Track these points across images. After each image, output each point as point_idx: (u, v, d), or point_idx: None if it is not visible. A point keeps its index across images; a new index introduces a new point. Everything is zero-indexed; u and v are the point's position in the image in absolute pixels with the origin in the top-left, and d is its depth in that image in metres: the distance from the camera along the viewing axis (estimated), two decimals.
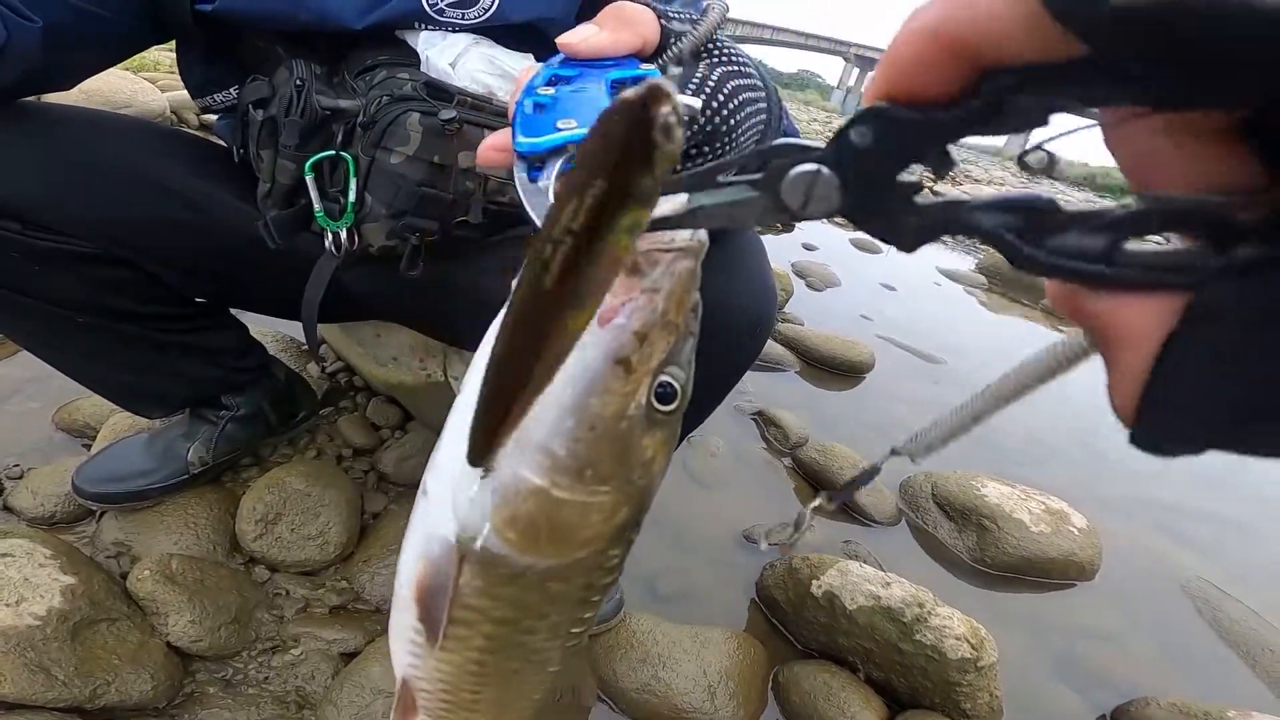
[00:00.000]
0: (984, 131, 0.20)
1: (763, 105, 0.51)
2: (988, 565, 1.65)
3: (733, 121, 0.46)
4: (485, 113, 0.80)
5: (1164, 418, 0.21)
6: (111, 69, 1.24)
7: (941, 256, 5.24)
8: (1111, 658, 1.51)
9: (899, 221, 0.23)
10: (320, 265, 0.87)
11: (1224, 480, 2.61)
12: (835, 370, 2.50)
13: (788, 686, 1.18)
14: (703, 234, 0.29)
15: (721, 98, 0.44)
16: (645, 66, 0.38)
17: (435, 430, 1.38)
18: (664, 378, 0.29)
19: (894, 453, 0.32)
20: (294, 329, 1.59)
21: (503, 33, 0.85)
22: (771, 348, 2.45)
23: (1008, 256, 0.21)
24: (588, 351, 0.28)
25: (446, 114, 0.76)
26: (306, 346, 1.58)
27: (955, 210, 0.22)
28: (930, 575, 1.62)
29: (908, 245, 0.23)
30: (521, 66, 0.84)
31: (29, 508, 1.12)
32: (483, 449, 0.27)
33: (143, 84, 2.87)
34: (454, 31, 0.83)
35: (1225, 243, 0.19)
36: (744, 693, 1.12)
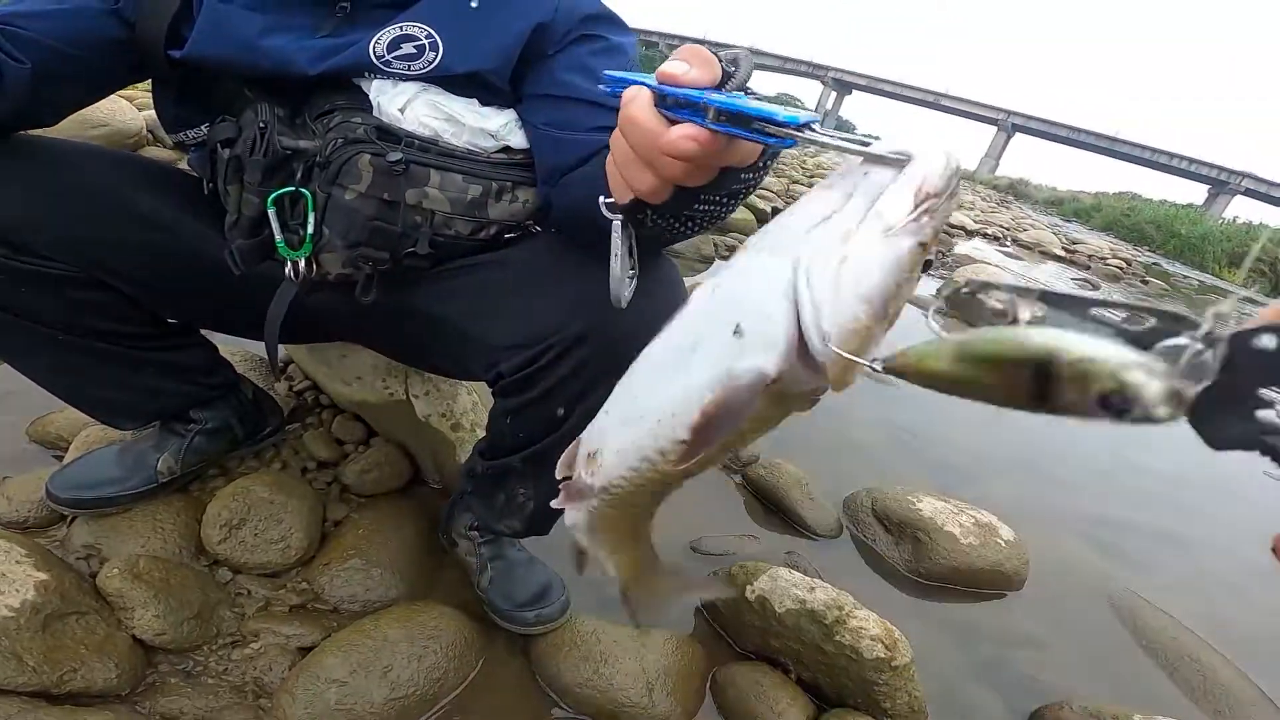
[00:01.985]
0: None
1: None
2: (922, 576, 1.75)
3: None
4: (432, 153, 0.90)
5: None
6: None
7: None
8: (1035, 664, 1.60)
9: (1229, 422, 0.26)
10: (281, 290, 0.95)
11: (1159, 495, 2.74)
12: None
13: (724, 685, 1.25)
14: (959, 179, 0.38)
15: None
16: (713, 94, 0.47)
17: (397, 444, 1.45)
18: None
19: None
20: (263, 349, 1.67)
21: (449, 81, 0.93)
22: None
23: None
24: (905, 239, 0.36)
25: (394, 156, 0.86)
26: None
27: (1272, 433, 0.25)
28: (869, 585, 1.71)
29: (1220, 445, 0.27)
30: (465, 111, 0.94)
31: (3, 513, 1.18)
32: None
33: (121, 104, 2.93)
34: (403, 80, 0.92)
35: None
36: (681, 690, 1.19)
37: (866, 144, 0.39)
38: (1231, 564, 2.39)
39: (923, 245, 0.36)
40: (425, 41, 0.90)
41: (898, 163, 0.37)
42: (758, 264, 0.40)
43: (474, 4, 0.92)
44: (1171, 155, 60.37)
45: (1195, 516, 2.69)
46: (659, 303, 0.90)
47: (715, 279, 0.43)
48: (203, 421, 1.24)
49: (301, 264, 0.91)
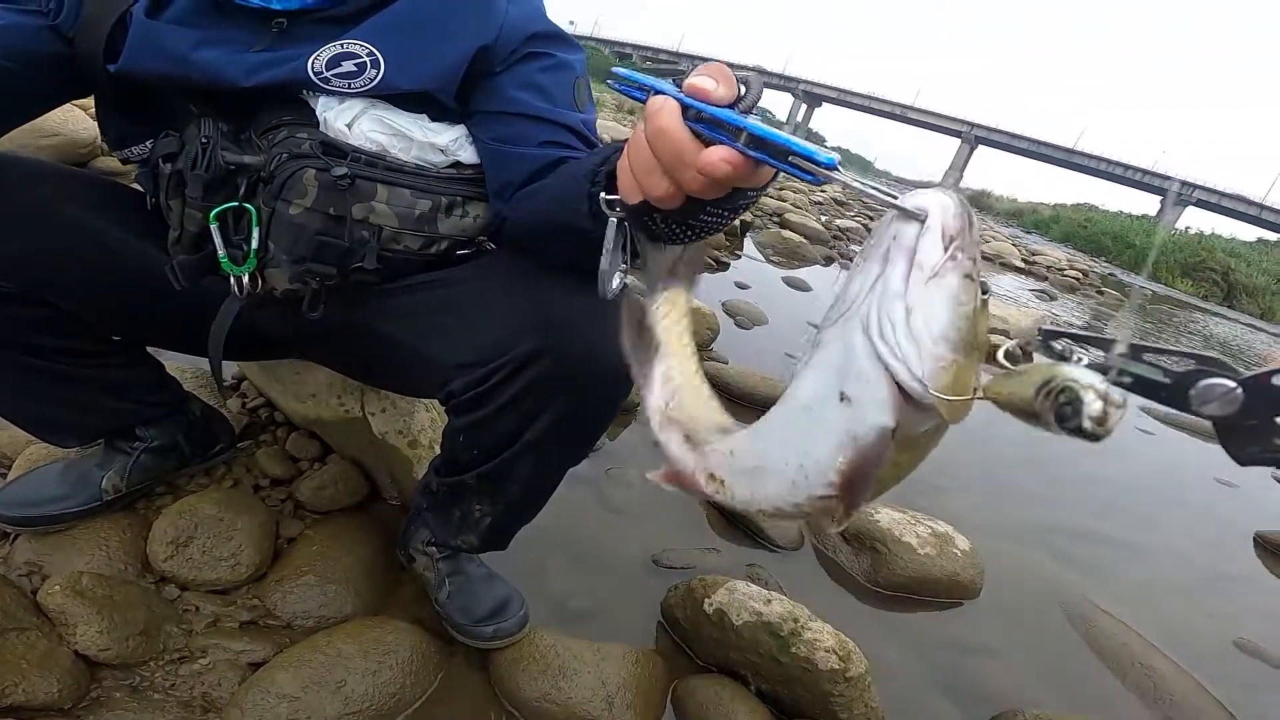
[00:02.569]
0: None
1: None
2: (881, 586, 1.77)
3: None
4: (379, 168, 0.90)
5: None
6: None
7: None
8: (991, 672, 1.62)
9: (1251, 443, 0.33)
10: (226, 306, 0.94)
11: (1114, 504, 2.81)
12: (753, 406, 2.62)
13: (684, 699, 1.25)
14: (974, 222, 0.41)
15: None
16: (750, 119, 0.49)
17: (353, 461, 1.44)
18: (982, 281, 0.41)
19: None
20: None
21: (396, 98, 0.94)
22: None
23: None
24: (950, 277, 0.40)
25: (338, 171, 0.86)
26: (226, 382, 1.63)
27: None
28: (830, 597, 1.73)
29: (1244, 461, 0.34)
30: (414, 126, 0.94)
31: None
32: None
33: (75, 113, 2.86)
34: (351, 96, 0.92)
35: None
36: (641, 703, 1.19)
37: (891, 194, 0.43)
38: (1183, 571, 2.46)
39: (968, 277, 0.40)
40: (366, 59, 0.90)
41: (917, 216, 0.41)
42: (834, 336, 0.43)
43: (417, 22, 0.93)
44: (1126, 167, 62.11)
45: (1148, 524, 2.76)
46: (605, 322, 0.91)
47: (809, 354, 0.46)
48: (149, 439, 1.22)
49: (245, 279, 0.91)
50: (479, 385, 0.90)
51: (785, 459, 0.46)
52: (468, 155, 0.97)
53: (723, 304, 3.84)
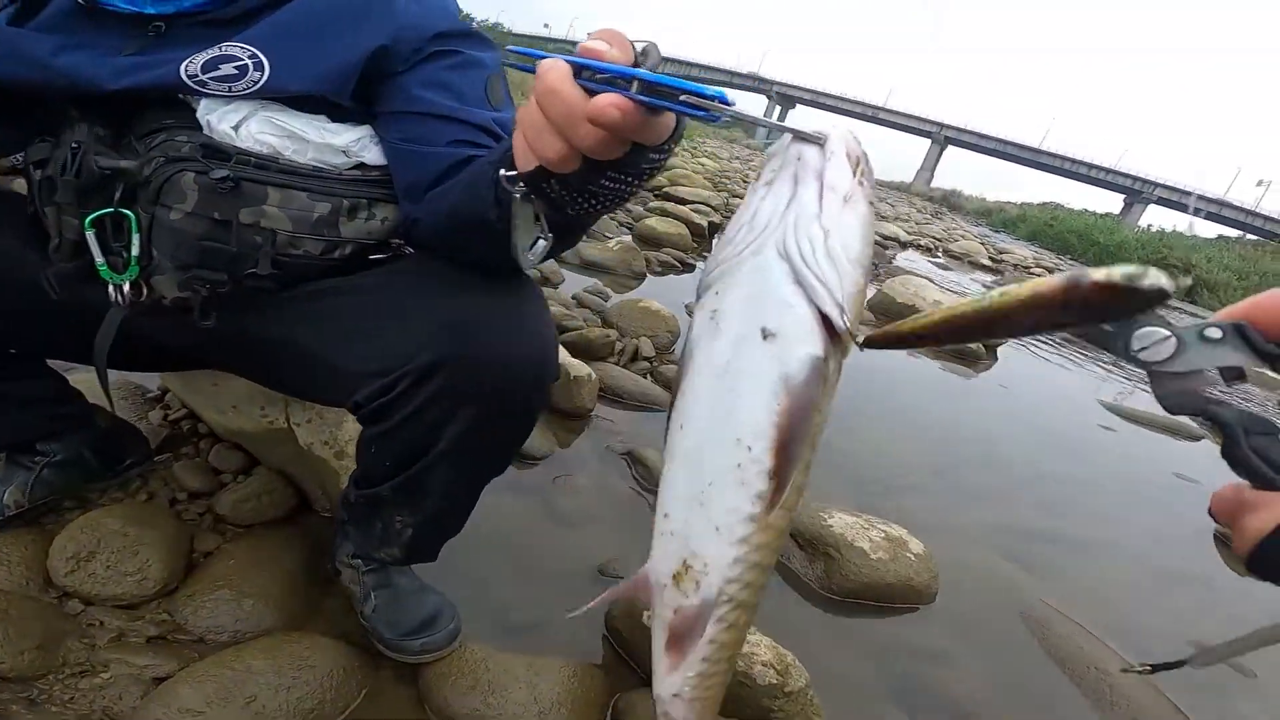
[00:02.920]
0: None
1: None
2: (834, 593, 1.74)
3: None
4: (271, 170, 0.87)
5: (1265, 567, 0.34)
6: None
7: None
8: (946, 680, 1.59)
9: (1181, 391, 0.35)
10: (110, 316, 0.90)
11: (1071, 502, 2.81)
12: None
13: (625, 713, 1.21)
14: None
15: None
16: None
17: (280, 473, 1.40)
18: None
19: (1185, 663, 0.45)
20: (136, 377, 1.59)
21: (293, 100, 0.90)
22: (649, 388, 2.53)
23: (1226, 444, 0.35)
24: (860, 202, 0.39)
25: (218, 173, 0.83)
26: (150, 393, 1.57)
27: (1212, 403, 0.35)
28: (783, 605, 1.69)
29: (1173, 410, 0.36)
30: (309, 128, 0.90)
31: None
32: None
33: None
34: (239, 99, 0.88)
35: None
36: (577, 719, 1.15)
37: (782, 122, 0.43)
38: (1141, 570, 2.47)
39: (871, 204, 0.40)
40: (248, 62, 0.87)
41: (818, 140, 0.40)
42: (748, 268, 0.40)
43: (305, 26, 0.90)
44: (1090, 166, 63.28)
45: (1107, 522, 2.77)
46: (517, 342, 0.88)
47: (705, 308, 0.42)
48: (51, 454, 1.18)
49: (127, 288, 0.87)
50: (384, 395, 0.87)
51: (719, 444, 0.41)
52: (372, 156, 0.94)
53: (685, 305, 3.81)
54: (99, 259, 0.85)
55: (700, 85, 0.43)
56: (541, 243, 0.66)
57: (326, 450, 1.35)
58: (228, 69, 0.86)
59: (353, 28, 0.90)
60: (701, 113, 0.44)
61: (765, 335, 0.39)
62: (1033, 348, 5.80)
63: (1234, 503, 0.35)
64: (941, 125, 66.92)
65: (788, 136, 0.41)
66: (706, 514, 0.42)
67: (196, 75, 0.85)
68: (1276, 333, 0.34)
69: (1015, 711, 1.56)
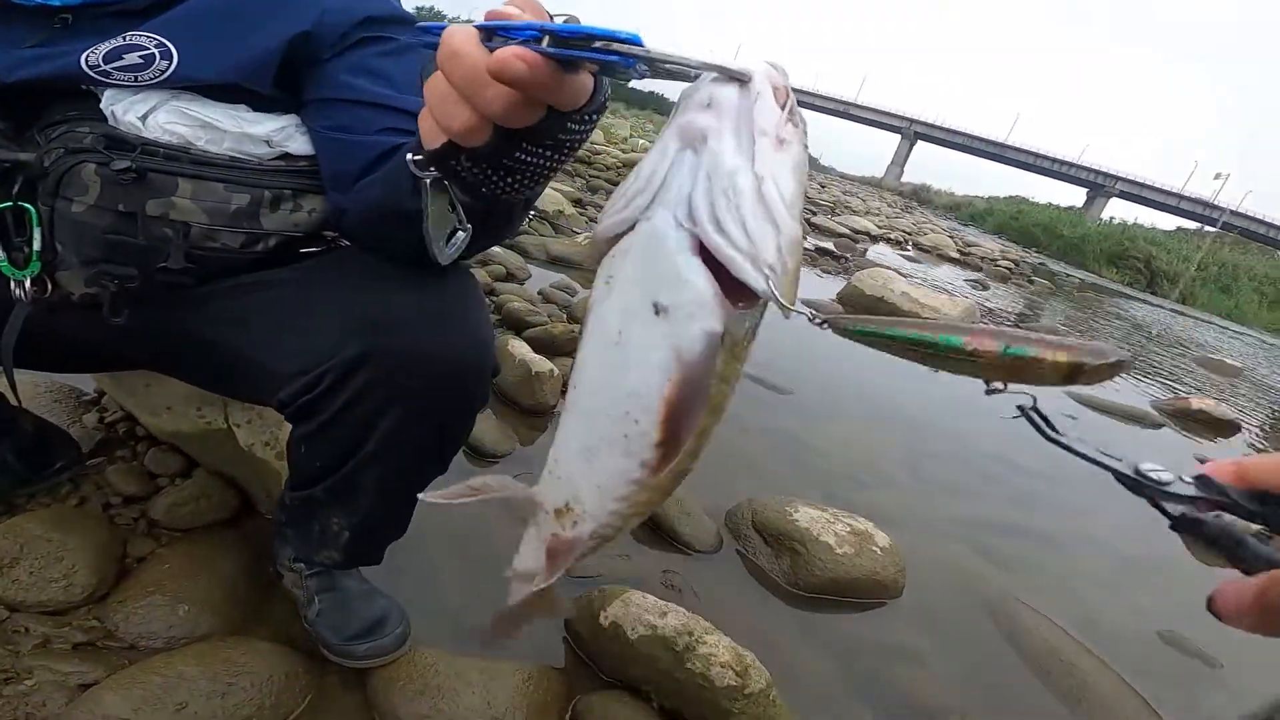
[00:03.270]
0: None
1: None
2: (800, 588, 1.71)
3: None
4: (183, 161, 0.83)
5: None
6: None
7: (804, 289, 5.45)
8: (913, 677, 1.57)
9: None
10: (14, 314, 0.86)
11: (1037, 495, 2.82)
12: None
13: (584, 715, 1.19)
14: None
15: None
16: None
17: (221, 475, 1.34)
18: None
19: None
20: (72, 379, 1.51)
21: (207, 89, 0.87)
22: None
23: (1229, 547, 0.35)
24: (795, 144, 0.36)
25: (119, 164, 0.79)
26: (86, 396, 1.51)
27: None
28: (749, 601, 1.67)
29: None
30: (224, 117, 0.87)
31: None
32: None
33: None
34: (146, 89, 0.84)
35: None
36: None
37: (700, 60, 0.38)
38: (1107, 562, 2.48)
39: (805, 147, 0.37)
40: (154, 50, 0.83)
41: (741, 78, 0.36)
42: (643, 233, 0.37)
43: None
44: (1054, 160, 64.42)
45: (1072, 514, 2.78)
46: (453, 335, 0.84)
47: (602, 271, 0.39)
48: None
49: (29, 284, 0.83)
50: (308, 392, 0.84)
51: (609, 414, 0.39)
52: (298, 146, 0.90)
53: None
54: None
55: (613, 29, 0.40)
56: (460, 234, 0.62)
57: (268, 451, 1.30)
58: (132, 58, 0.82)
59: (269, 14, 0.86)
60: (616, 58, 0.40)
61: (658, 310, 0.36)
62: None
63: (1252, 584, 0.34)
64: (911, 120, 67.67)
65: (706, 77, 0.36)
66: (591, 471, 0.42)
67: (98, 65, 0.82)
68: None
69: (983, 708, 1.55)
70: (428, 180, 0.56)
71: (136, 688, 0.97)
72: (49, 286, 0.84)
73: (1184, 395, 5.48)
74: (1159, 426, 4.58)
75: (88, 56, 0.82)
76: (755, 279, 0.34)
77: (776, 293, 0.34)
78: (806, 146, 0.37)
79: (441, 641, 1.22)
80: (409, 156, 0.56)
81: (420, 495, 0.48)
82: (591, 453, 0.41)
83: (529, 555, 0.49)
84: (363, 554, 1.09)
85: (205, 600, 1.17)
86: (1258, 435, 5.51)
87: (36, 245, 0.81)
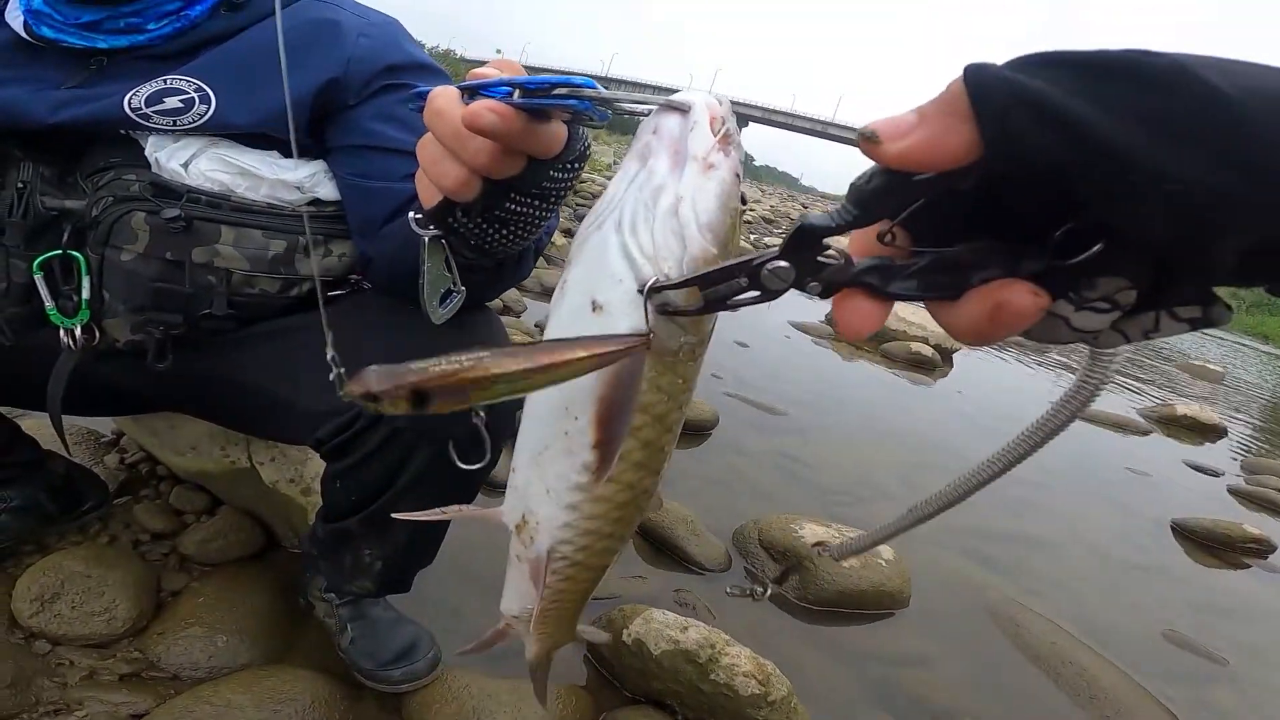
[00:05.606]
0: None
1: None
2: (810, 602, 1.75)
3: None
4: (224, 209, 0.85)
5: None
6: None
7: (793, 310, 5.52)
8: (925, 682, 1.61)
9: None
10: (61, 361, 0.88)
11: (1029, 501, 2.87)
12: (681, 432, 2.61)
13: None
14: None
15: None
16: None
17: (245, 512, 1.36)
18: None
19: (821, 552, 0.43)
20: (90, 422, 1.54)
21: (242, 136, 0.88)
22: None
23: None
24: (722, 169, 0.39)
25: (170, 213, 0.81)
26: (105, 438, 1.54)
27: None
28: (760, 617, 1.69)
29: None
30: (261, 164, 0.88)
31: None
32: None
33: None
34: (185, 135, 0.86)
35: None
36: None
37: (648, 95, 0.42)
38: (1104, 565, 2.53)
39: (737, 175, 0.39)
40: (194, 95, 0.84)
41: (680, 108, 0.39)
42: (592, 242, 0.40)
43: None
44: None
45: (1066, 519, 2.84)
46: None
47: (561, 278, 0.43)
48: (7, 500, 1.15)
49: (78, 331, 0.85)
50: (343, 432, 0.87)
51: (553, 409, 0.41)
52: (326, 191, 0.92)
53: None
54: (49, 303, 0.83)
55: (567, 76, 0.44)
56: (455, 296, 0.63)
57: (292, 488, 1.33)
58: (173, 102, 0.84)
59: (302, 61, 0.87)
60: (574, 102, 0.44)
61: (595, 307, 0.39)
62: (987, 351, 5.95)
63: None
64: None
65: (655, 108, 0.40)
66: (541, 475, 0.44)
67: (140, 109, 0.83)
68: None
69: (996, 709, 1.58)
70: (426, 237, 0.58)
71: (188, 716, 1.00)
72: (96, 334, 0.86)
73: (1169, 402, 5.57)
74: (1147, 433, 4.65)
75: (130, 99, 0.83)
76: (643, 265, 0.37)
77: (673, 295, 0.37)
78: (739, 175, 0.39)
79: (467, 666, 1.24)
80: (410, 215, 0.57)
81: (393, 514, 0.51)
82: (538, 456, 0.43)
83: (511, 597, 0.52)
84: (394, 582, 1.11)
85: (242, 631, 1.19)
86: (1244, 438, 5.59)
87: (85, 294, 0.82)
